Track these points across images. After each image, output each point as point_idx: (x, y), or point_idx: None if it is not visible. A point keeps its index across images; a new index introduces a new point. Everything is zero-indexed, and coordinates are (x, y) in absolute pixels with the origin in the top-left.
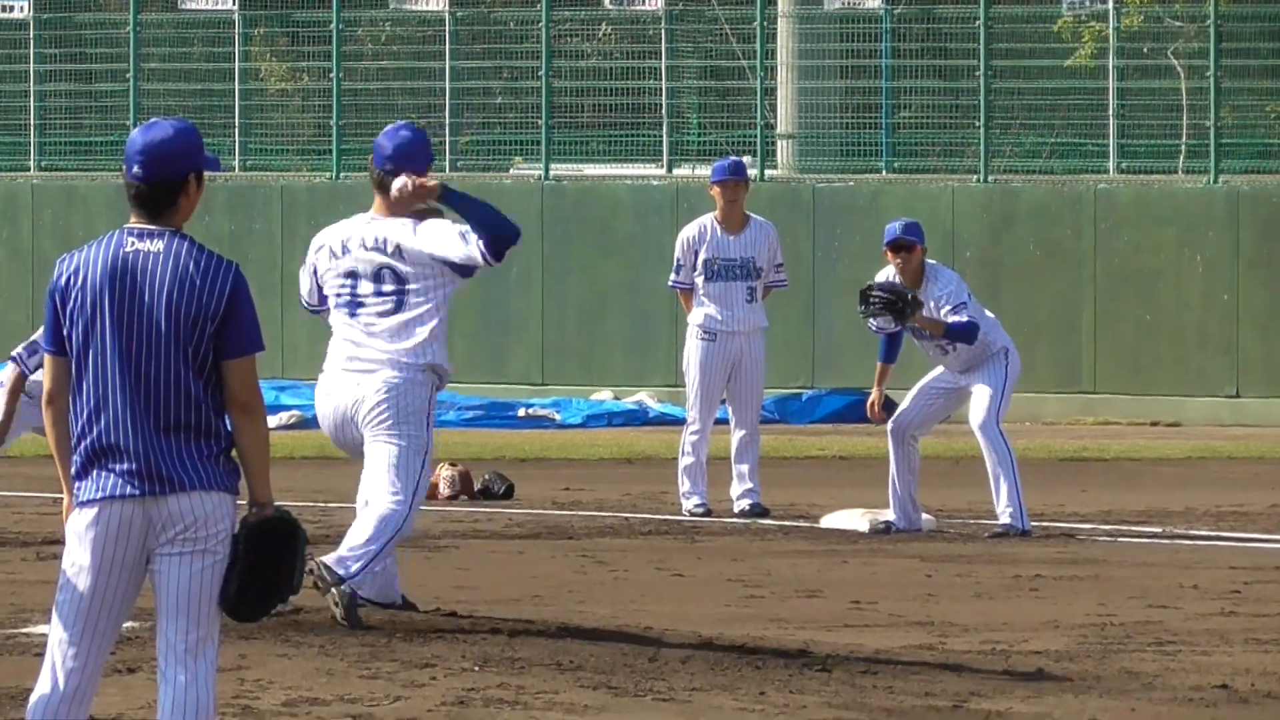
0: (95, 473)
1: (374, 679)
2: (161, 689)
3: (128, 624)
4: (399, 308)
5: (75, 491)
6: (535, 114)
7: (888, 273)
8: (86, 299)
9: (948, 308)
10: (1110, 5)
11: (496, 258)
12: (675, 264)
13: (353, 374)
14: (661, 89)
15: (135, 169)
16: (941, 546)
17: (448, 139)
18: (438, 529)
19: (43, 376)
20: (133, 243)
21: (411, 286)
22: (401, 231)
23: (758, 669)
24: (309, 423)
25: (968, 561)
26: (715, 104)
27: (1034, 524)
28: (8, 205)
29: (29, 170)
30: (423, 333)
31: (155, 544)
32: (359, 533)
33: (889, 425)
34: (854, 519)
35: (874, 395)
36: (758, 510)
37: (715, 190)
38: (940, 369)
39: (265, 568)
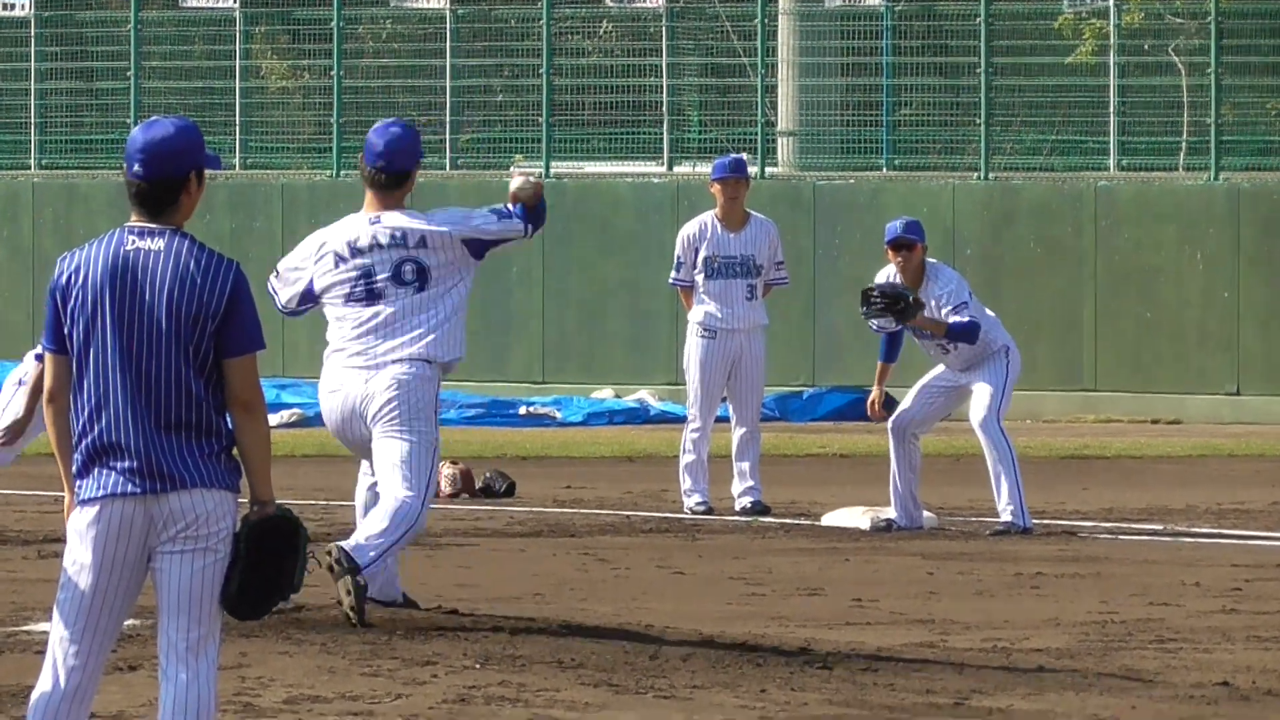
0: (96, 471)
1: (375, 676)
2: (163, 687)
3: (129, 622)
4: (422, 289)
5: (76, 490)
6: (536, 111)
7: (888, 271)
8: (87, 297)
9: (948, 307)
10: (1111, 2)
11: (536, 225)
12: (675, 261)
13: (361, 369)
14: (662, 86)
15: (136, 167)
16: (943, 544)
17: (448, 137)
18: (439, 527)
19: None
20: (133, 241)
21: (434, 277)
22: (418, 222)
23: (759, 666)
24: (310, 421)
25: (969, 559)
26: (716, 101)
27: (1035, 522)
28: (8, 203)
29: (30, 168)
30: (442, 325)
31: (156, 542)
32: (374, 524)
33: (890, 423)
34: (855, 517)
35: (874, 394)
36: (759, 508)
37: (716, 188)
38: (941, 367)
39: (266, 566)
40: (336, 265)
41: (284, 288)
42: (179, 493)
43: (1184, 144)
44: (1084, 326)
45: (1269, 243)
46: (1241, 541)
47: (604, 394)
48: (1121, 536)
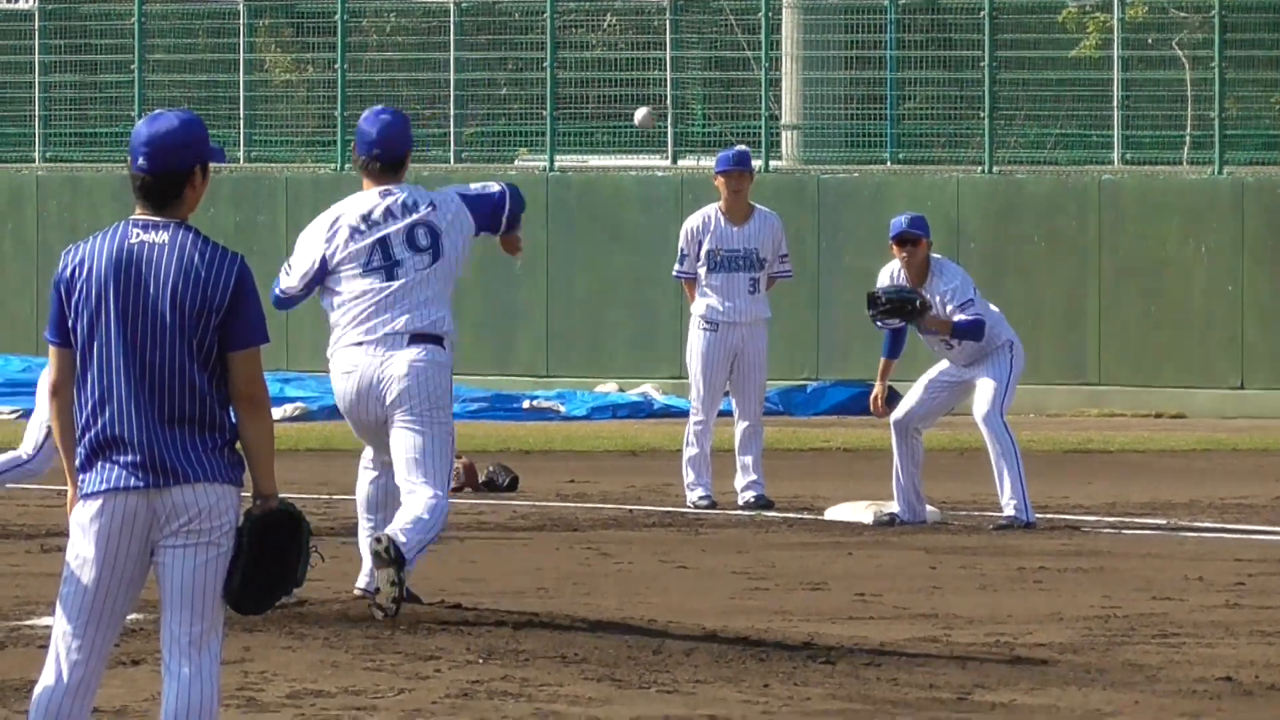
0: (99, 465)
1: (378, 671)
2: (165, 681)
3: (132, 616)
4: (435, 260)
5: (79, 484)
6: (540, 105)
7: (892, 267)
8: (91, 290)
9: (953, 305)
10: None
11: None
12: (679, 254)
13: (376, 349)
14: (666, 80)
15: (140, 161)
16: (946, 539)
17: (452, 130)
18: None
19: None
20: (138, 234)
21: (445, 244)
22: (424, 192)
23: (762, 661)
24: (313, 415)
25: (972, 554)
26: (720, 95)
27: (1038, 516)
28: (13, 196)
29: (34, 161)
30: (447, 297)
31: (159, 536)
32: (412, 524)
33: (892, 419)
34: (858, 511)
35: (877, 389)
36: (762, 502)
37: (719, 180)
38: (944, 362)
39: (269, 560)
40: (352, 237)
41: (294, 269)
42: (182, 487)
43: (1188, 138)
44: (1088, 320)
45: (1273, 236)
46: (1245, 536)
47: (608, 388)
48: (1125, 531)
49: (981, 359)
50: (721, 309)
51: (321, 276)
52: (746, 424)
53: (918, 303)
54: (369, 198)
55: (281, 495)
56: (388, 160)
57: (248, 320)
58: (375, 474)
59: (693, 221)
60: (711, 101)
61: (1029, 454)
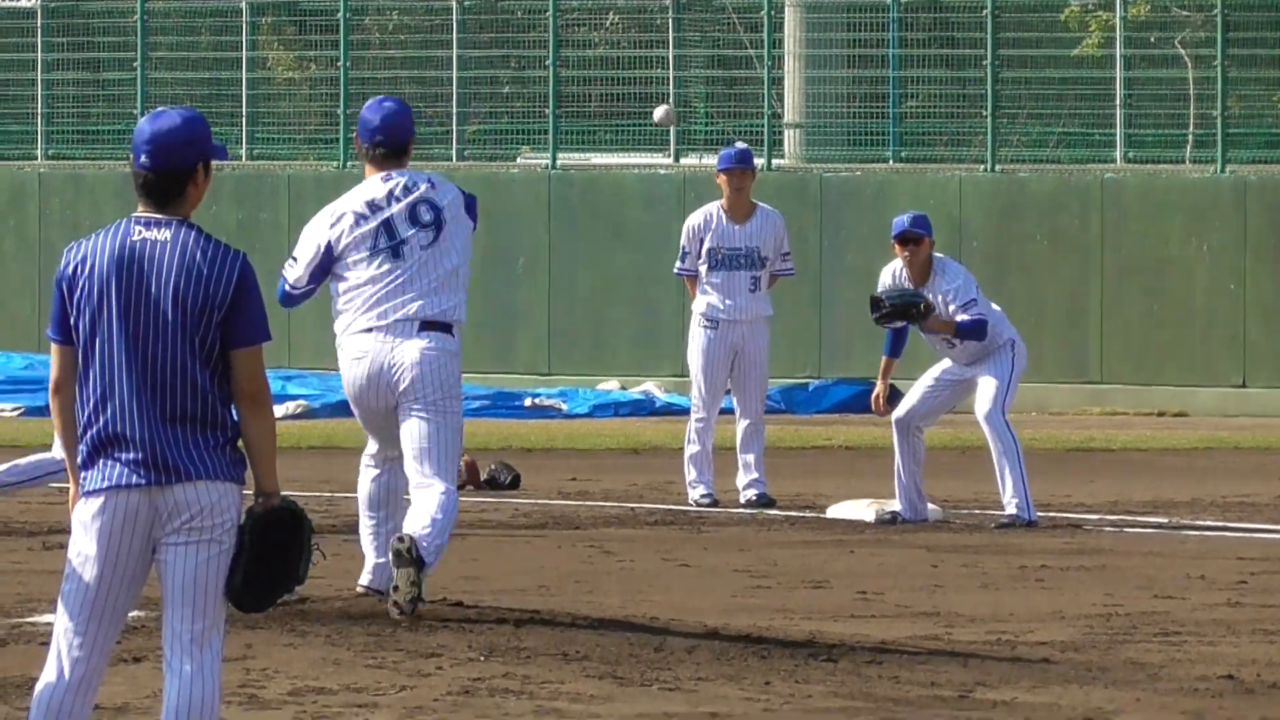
0: (101, 462)
1: (380, 668)
2: (167, 678)
3: (133, 613)
4: (438, 234)
5: (81, 481)
6: (542, 103)
7: (894, 266)
8: (93, 288)
9: (955, 305)
10: None
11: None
12: (680, 251)
13: (386, 335)
14: (669, 78)
15: (143, 158)
16: (948, 537)
17: (455, 128)
18: None
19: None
20: (140, 231)
21: (447, 220)
22: (422, 174)
23: (764, 659)
24: (315, 413)
25: (974, 552)
26: (722, 93)
27: (1040, 514)
28: (15, 194)
29: (36, 159)
30: (455, 277)
31: (161, 533)
32: (427, 525)
33: (894, 417)
34: (860, 509)
35: (878, 388)
36: (764, 500)
37: (721, 178)
38: (946, 361)
39: (271, 558)
40: (357, 223)
41: (298, 260)
42: (184, 484)
43: (1190, 136)
44: (1090, 319)
45: (1275, 235)
46: (1247, 535)
47: (610, 386)
48: (1127, 529)
49: (983, 358)
50: (722, 307)
51: (328, 265)
52: (748, 422)
53: (921, 306)
54: (372, 185)
55: (283, 493)
56: (390, 148)
57: (250, 318)
58: (377, 472)
59: (694, 219)
60: (714, 100)
61: (1031, 452)
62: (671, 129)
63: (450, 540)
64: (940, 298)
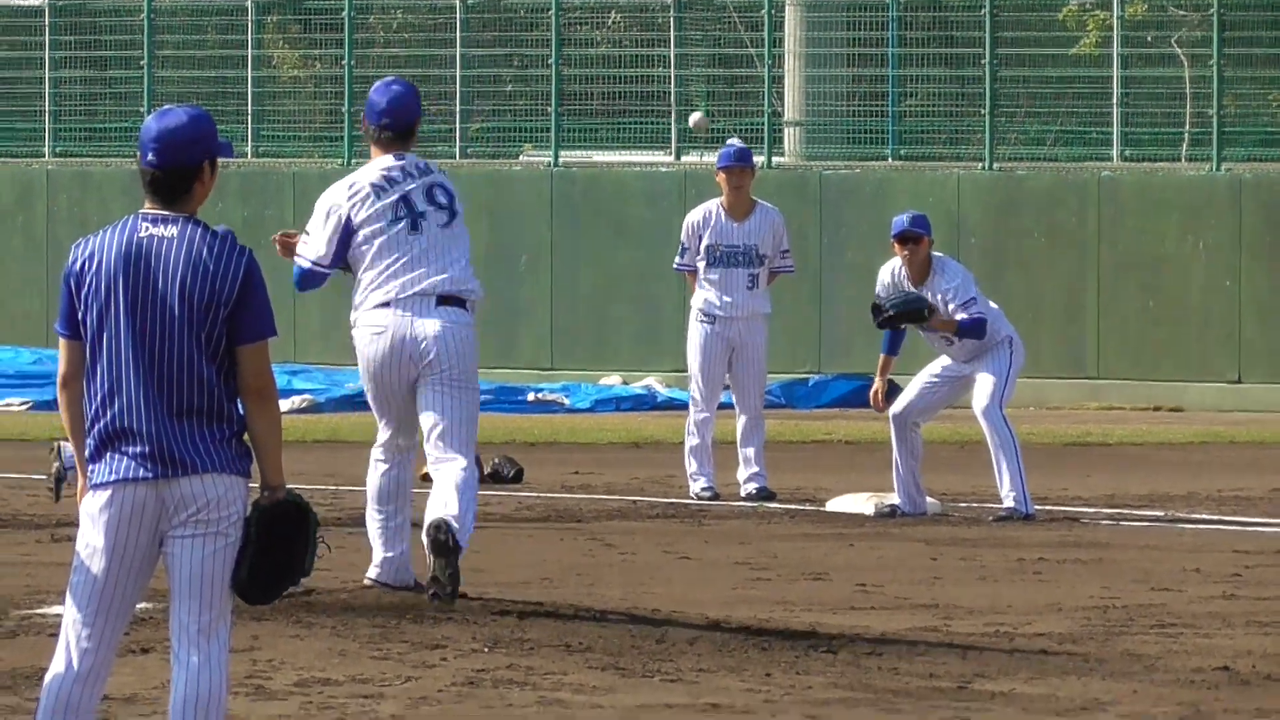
0: (109, 456)
1: (385, 660)
2: (174, 669)
3: (141, 605)
4: (452, 219)
5: (89, 474)
6: (545, 101)
7: (893, 264)
8: (101, 283)
9: (955, 304)
10: None
11: None
12: (680, 247)
13: (406, 308)
14: (670, 76)
15: (150, 156)
16: (946, 530)
17: (458, 126)
18: None
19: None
20: (147, 228)
21: (458, 204)
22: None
23: (764, 650)
24: (321, 407)
25: (972, 545)
26: (723, 91)
27: (1037, 508)
28: (23, 191)
29: (44, 156)
30: (468, 260)
31: (168, 526)
32: (456, 504)
33: (891, 413)
34: (859, 503)
35: (877, 384)
36: (764, 494)
37: (721, 176)
38: (944, 358)
39: (277, 551)
40: (377, 195)
41: (314, 238)
42: (190, 478)
43: (1186, 135)
44: (1087, 315)
45: (1270, 233)
46: (1242, 528)
47: (611, 380)
48: (1123, 523)
49: (981, 355)
50: (719, 304)
51: (347, 238)
52: (746, 418)
53: (925, 311)
54: (384, 161)
55: (289, 486)
56: (397, 129)
57: (256, 313)
58: (387, 466)
59: (694, 216)
60: (715, 98)
61: (1028, 447)
62: (673, 127)
63: None
64: (939, 297)
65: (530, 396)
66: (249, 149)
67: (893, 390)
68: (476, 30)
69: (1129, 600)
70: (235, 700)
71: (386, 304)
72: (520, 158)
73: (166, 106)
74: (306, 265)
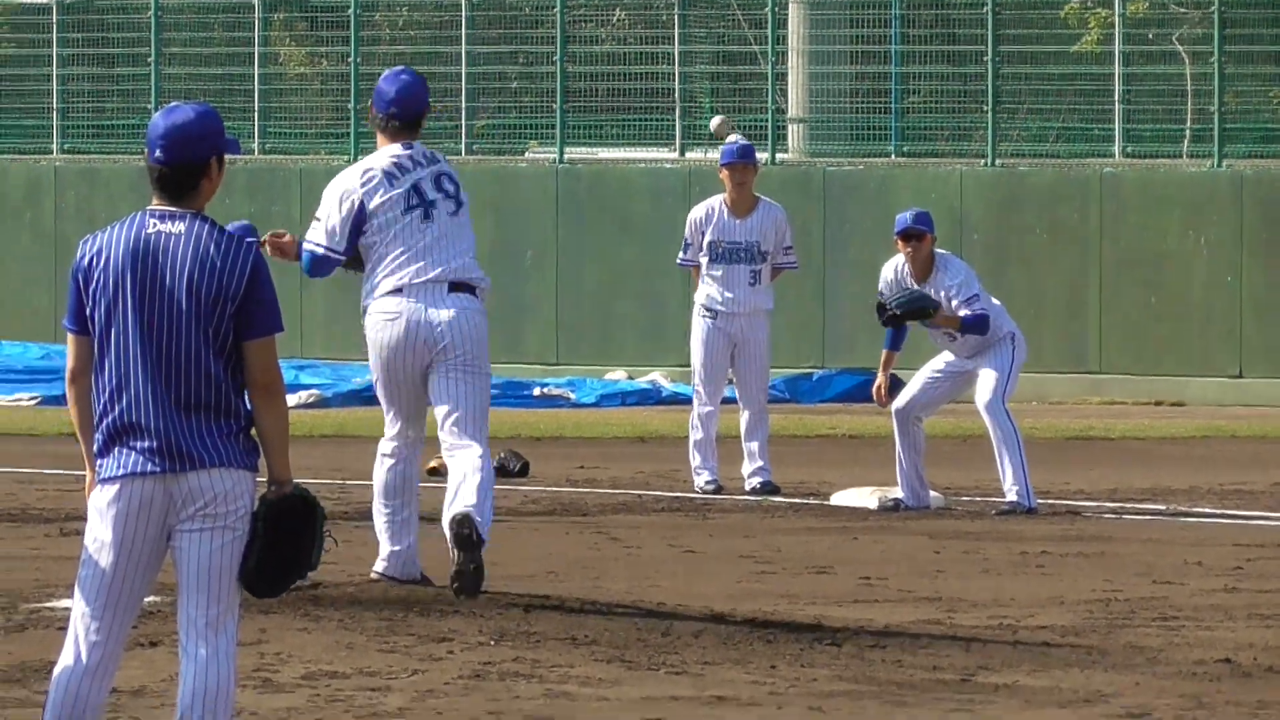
0: (117, 450)
1: (392, 653)
2: (183, 663)
3: (150, 598)
4: (459, 208)
5: (97, 469)
6: (550, 98)
7: (896, 261)
8: (109, 279)
9: (958, 300)
10: None
11: None
12: (683, 243)
13: (418, 297)
14: (674, 74)
15: (157, 152)
16: (950, 524)
17: (464, 123)
18: None
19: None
20: (154, 224)
21: (463, 193)
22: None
23: (769, 643)
24: (328, 402)
25: (975, 538)
26: (727, 88)
27: (1040, 502)
28: (31, 188)
29: (52, 153)
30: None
31: (176, 520)
32: (474, 495)
33: (894, 407)
34: (863, 496)
35: (879, 380)
36: (769, 488)
37: (724, 173)
38: (947, 353)
39: (284, 545)
40: (390, 183)
41: (326, 224)
42: (198, 472)
43: (1188, 131)
44: (1089, 310)
45: (1270, 229)
46: (1243, 521)
47: (617, 376)
48: (1125, 516)
49: (984, 350)
50: (721, 299)
51: (360, 224)
52: (749, 413)
53: (930, 309)
54: (393, 149)
55: (296, 481)
56: (405, 119)
57: (263, 309)
58: (394, 461)
59: (697, 212)
60: (719, 95)
61: (1031, 441)
62: (677, 124)
63: None
64: (943, 293)
65: (536, 391)
66: (256, 146)
67: (895, 385)
68: (482, 27)
69: (1131, 593)
70: (243, 693)
71: (399, 290)
72: (525, 154)
73: (174, 103)
74: (320, 251)
